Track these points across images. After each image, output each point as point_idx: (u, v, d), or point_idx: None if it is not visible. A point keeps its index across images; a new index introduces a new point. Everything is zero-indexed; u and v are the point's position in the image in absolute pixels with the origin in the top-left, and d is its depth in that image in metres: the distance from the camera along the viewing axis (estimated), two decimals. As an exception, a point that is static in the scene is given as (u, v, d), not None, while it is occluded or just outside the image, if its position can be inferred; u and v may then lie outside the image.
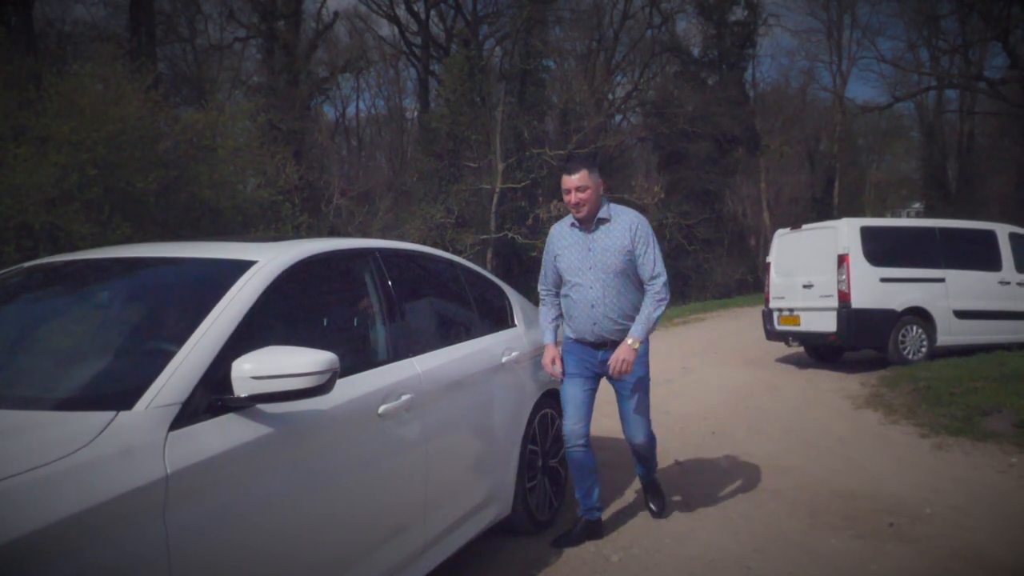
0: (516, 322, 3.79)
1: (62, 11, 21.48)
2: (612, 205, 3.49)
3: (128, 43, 18.38)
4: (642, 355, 3.54)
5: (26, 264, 2.73)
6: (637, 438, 3.67)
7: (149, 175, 11.84)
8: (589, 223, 3.43)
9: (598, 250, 3.41)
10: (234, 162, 14.17)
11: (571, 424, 3.51)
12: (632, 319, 3.45)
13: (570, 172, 3.43)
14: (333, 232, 16.93)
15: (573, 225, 3.50)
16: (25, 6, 17.04)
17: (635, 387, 3.56)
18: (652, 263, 3.42)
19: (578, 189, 3.38)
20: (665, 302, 3.46)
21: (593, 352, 3.52)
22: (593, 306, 3.42)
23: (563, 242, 3.53)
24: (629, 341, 3.39)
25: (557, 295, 3.61)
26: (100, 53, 15.64)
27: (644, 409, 3.65)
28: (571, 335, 3.57)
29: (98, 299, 2.53)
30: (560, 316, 3.62)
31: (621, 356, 3.37)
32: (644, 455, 3.78)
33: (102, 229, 11.23)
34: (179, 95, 20.14)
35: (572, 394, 3.54)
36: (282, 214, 14.53)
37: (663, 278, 3.45)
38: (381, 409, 2.43)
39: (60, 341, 2.29)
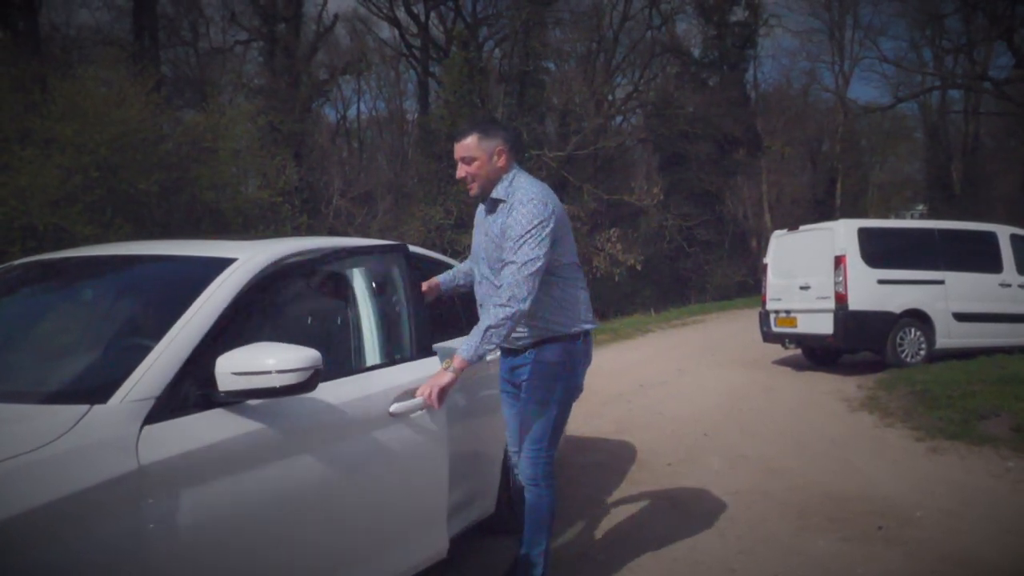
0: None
1: (67, 15, 21.56)
2: (521, 179, 2.71)
3: (131, 47, 18.51)
4: (544, 367, 2.70)
5: (16, 263, 2.77)
6: (522, 472, 2.83)
7: (151, 177, 11.93)
8: (487, 202, 2.76)
9: (489, 236, 2.72)
10: (235, 164, 14.24)
11: (512, 451, 2.94)
12: (537, 326, 2.69)
13: (457, 138, 2.72)
14: (332, 233, 16.98)
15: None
16: (31, 11, 17.18)
17: (529, 405, 2.73)
18: (514, 247, 2.56)
19: (464, 160, 2.69)
20: (511, 310, 2.52)
21: (505, 359, 2.89)
22: (481, 304, 2.80)
23: (478, 223, 2.87)
24: (443, 364, 2.55)
25: None
26: (104, 57, 15.76)
27: (537, 437, 2.74)
28: None
29: (80, 296, 2.56)
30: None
31: (428, 384, 2.49)
32: (528, 508, 2.80)
33: (104, 230, 11.32)
34: (182, 98, 20.25)
35: (504, 415, 2.97)
36: (282, 215, 14.58)
37: (520, 267, 2.53)
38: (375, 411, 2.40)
39: (41, 336, 2.33)
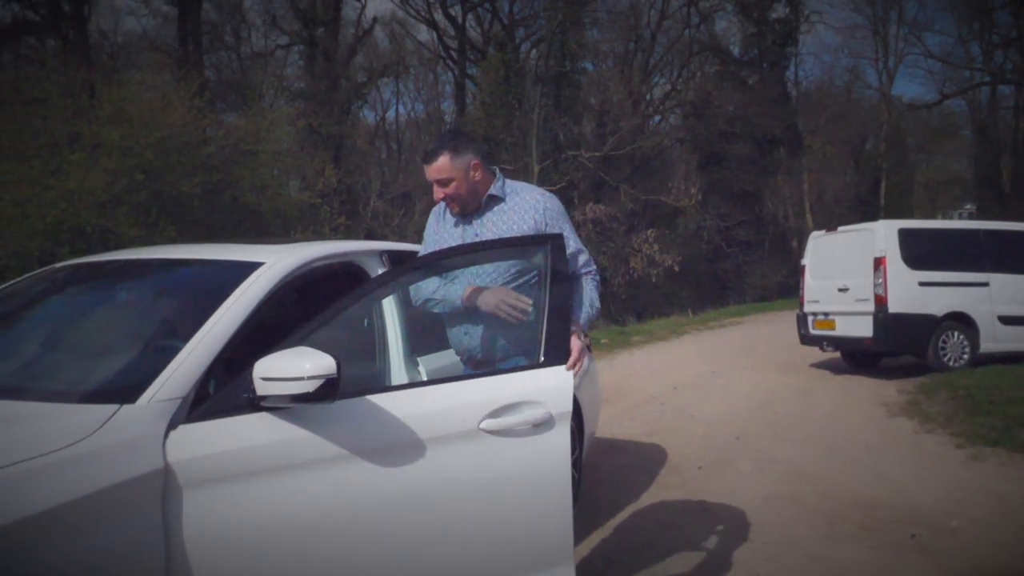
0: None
1: (115, 23, 22.30)
2: (508, 181, 2.65)
3: (176, 52, 19.02)
4: None
5: (57, 265, 2.90)
6: None
7: (194, 179, 12.24)
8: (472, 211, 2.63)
9: (491, 236, 2.56)
10: (275, 166, 14.54)
11: None
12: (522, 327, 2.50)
13: (427, 160, 2.56)
14: (369, 234, 17.19)
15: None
16: (81, 20, 17.75)
17: None
18: (572, 237, 2.57)
19: (439, 183, 2.54)
20: (599, 285, 2.61)
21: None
22: (466, 306, 2.55)
23: (444, 227, 2.67)
24: (574, 329, 2.41)
25: None
26: (149, 63, 16.23)
27: None
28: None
29: (115, 298, 2.64)
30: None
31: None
32: None
33: (149, 231, 11.64)
34: (224, 101, 20.72)
35: None
36: (320, 216, 14.81)
37: (587, 255, 2.61)
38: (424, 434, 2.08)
39: (77, 338, 2.40)
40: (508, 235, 2.54)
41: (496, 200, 2.58)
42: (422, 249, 2.76)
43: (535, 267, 2.51)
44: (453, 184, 2.53)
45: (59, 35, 17.20)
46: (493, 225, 2.56)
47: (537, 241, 2.48)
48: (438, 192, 2.56)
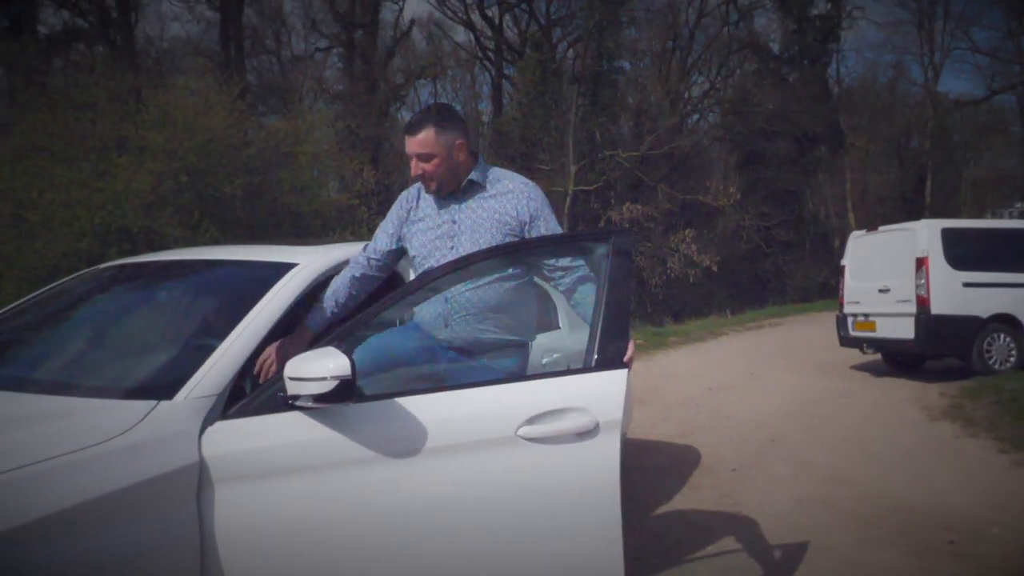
0: (560, 324, 3.80)
1: (161, 29, 22.92)
2: (491, 168, 2.51)
3: (218, 57, 19.45)
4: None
5: (101, 266, 3.02)
6: None
7: (235, 181, 12.49)
8: (452, 194, 2.46)
9: (468, 223, 2.41)
10: (314, 167, 14.76)
11: None
12: (505, 324, 2.40)
13: (411, 131, 2.39)
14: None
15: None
16: (128, 27, 18.29)
17: None
18: (556, 229, 2.48)
19: (420, 157, 2.37)
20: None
21: (442, 352, 2.43)
22: (448, 299, 2.37)
23: (418, 213, 2.49)
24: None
25: (379, 267, 2.54)
26: (193, 67, 16.62)
27: None
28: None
29: (156, 298, 2.75)
30: (356, 288, 2.50)
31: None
32: None
33: (192, 232, 11.94)
34: (265, 104, 21.12)
35: None
36: (359, 217, 15.00)
37: None
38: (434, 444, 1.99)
39: (119, 336, 2.52)
40: (489, 224, 2.40)
41: (477, 187, 2.44)
42: (391, 215, 2.56)
43: (523, 267, 2.40)
44: (435, 161, 2.36)
45: (107, 41, 17.72)
46: (473, 212, 2.42)
47: (600, 236, 2.42)
48: (416, 167, 2.40)
